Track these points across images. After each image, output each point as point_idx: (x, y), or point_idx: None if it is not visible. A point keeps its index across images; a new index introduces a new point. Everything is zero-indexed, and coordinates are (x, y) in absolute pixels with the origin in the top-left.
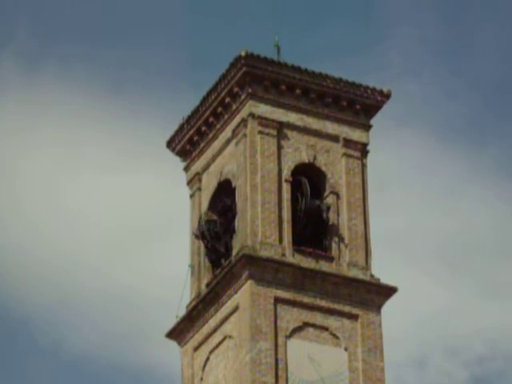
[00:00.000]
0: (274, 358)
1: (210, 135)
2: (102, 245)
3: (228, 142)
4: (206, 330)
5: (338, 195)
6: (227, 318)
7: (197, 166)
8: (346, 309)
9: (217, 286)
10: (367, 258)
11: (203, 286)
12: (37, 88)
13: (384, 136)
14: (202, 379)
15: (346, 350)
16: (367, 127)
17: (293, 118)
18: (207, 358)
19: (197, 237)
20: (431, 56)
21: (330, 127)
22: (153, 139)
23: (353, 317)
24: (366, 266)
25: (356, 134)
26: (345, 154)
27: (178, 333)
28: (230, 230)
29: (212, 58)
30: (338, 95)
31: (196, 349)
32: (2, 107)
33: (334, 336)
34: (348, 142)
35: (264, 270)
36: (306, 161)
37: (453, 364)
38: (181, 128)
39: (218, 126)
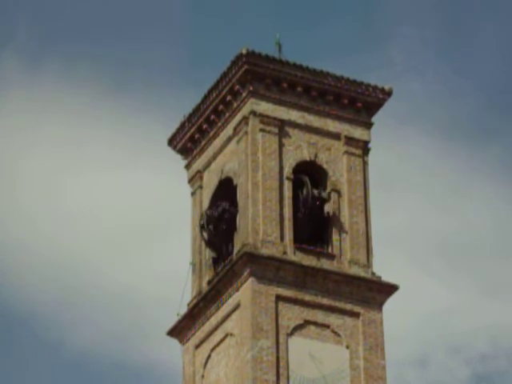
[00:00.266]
0: (276, 356)
1: (212, 133)
2: (103, 243)
3: (229, 139)
4: (207, 327)
5: (339, 193)
6: (228, 315)
7: (198, 163)
8: (348, 307)
9: (218, 284)
10: (368, 256)
11: (204, 284)
12: (38, 86)
13: (386, 134)
14: (203, 377)
15: (347, 347)
16: (369, 125)
17: (294, 115)
18: (208, 356)
19: (202, 227)
20: (433, 55)
21: (332, 125)
22: (154, 137)
23: (354, 315)
24: (368, 264)
25: (357, 132)
26: (346, 152)
27: (180, 331)
28: (231, 228)
29: (213, 56)
30: (339, 93)
31: (197, 346)
32: (4, 105)
33: (336, 334)
34: (349, 140)
35: (265, 267)
36: (308, 159)
37: (455, 362)
38: (182, 126)
39: (220, 124)
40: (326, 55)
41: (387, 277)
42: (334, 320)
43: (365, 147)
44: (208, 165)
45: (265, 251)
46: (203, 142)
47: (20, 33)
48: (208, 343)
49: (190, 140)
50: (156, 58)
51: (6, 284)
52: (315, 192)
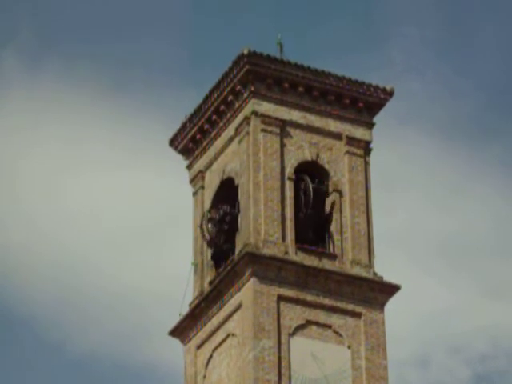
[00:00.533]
0: (277, 356)
1: (213, 133)
2: (104, 243)
3: (231, 140)
4: (208, 328)
5: (340, 193)
6: (230, 316)
7: (199, 164)
8: (349, 307)
9: (220, 284)
10: (370, 256)
11: (206, 284)
12: (39, 86)
13: (387, 134)
14: (204, 377)
15: (349, 347)
16: (370, 125)
17: (295, 115)
18: (210, 356)
19: (202, 231)
20: (433, 55)
21: (333, 125)
22: (155, 137)
23: (356, 315)
24: (369, 264)
25: (359, 132)
26: (348, 152)
27: (181, 331)
28: (232, 229)
29: (214, 56)
30: (340, 93)
31: (199, 347)
32: (4, 105)
33: (337, 334)
34: (351, 140)
35: (267, 268)
36: (309, 159)
37: (455, 362)
38: (183, 126)
39: (221, 124)
40: (327, 55)
41: (389, 277)
42: (335, 320)
43: (366, 147)
44: (209, 165)
45: (266, 251)
46: (205, 143)
47: (20, 32)
48: (210, 343)
49: (191, 140)
50: (157, 58)
51: (7, 285)
52: (313, 185)
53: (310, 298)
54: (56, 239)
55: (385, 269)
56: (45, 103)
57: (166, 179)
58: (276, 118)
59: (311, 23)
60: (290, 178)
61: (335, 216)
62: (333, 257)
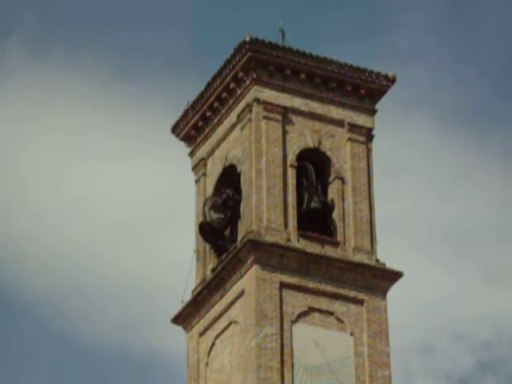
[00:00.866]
0: (280, 343)
1: (215, 120)
2: (108, 232)
3: (233, 127)
4: (211, 315)
5: (343, 180)
6: (233, 303)
7: (202, 151)
8: (352, 294)
9: (222, 272)
10: (372, 243)
11: (208, 272)
12: (42, 74)
13: (389, 121)
14: (207, 364)
15: (351, 334)
16: (372, 112)
17: (297, 102)
18: (213, 344)
19: (202, 227)
20: (437, 41)
21: (335, 112)
22: (158, 125)
23: (358, 302)
24: (372, 251)
25: (361, 119)
26: (350, 139)
27: (184, 318)
28: (235, 216)
29: (217, 44)
30: (342, 80)
31: (201, 334)
32: (8, 94)
33: (340, 321)
34: (353, 127)
35: (269, 255)
36: (311, 146)
37: (459, 349)
38: (186, 113)
39: (223, 112)
40: (329, 42)
41: (391, 264)
42: (338, 307)
43: (368, 134)
44: (212, 152)
45: (269, 238)
46: (207, 130)
47: (24, 21)
48: (212, 331)
49: (193, 127)
50: (159, 46)
51: (12, 274)
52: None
53: (312, 284)
54: (60, 228)
55: (387, 255)
56: (48, 92)
57: (169, 166)
58: (278, 105)
59: (313, 10)
60: (292, 165)
61: (337, 203)
62: (335, 244)
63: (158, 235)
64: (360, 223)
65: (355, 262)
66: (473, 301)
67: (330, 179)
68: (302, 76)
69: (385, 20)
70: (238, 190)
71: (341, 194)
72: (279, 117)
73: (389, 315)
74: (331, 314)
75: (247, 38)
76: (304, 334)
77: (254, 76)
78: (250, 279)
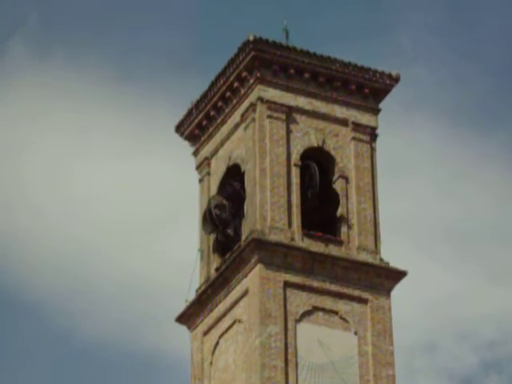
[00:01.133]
0: (284, 343)
1: (219, 120)
2: (110, 231)
3: (237, 126)
4: (215, 314)
5: (346, 179)
6: (237, 302)
7: (206, 150)
8: (356, 293)
9: (226, 271)
10: (376, 242)
11: (212, 271)
12: (46, 73)
13: (393, 120)
14: (211, 363)
15: (355, 333)
16: (376, 111)
17: (301, 102)
18: (217, 343)
19: (206, 227)
20: (439, 41)
21: (339, 111)
22: (161, 124)
23: (362, 301)
24: (376, 250)
25: (365, 118)
26: (354, 138)
27: (188, 317)
28: (239, 215)
29: (220, 43)
30: (346, 79)
31: (206, 333)
32: (11, 93)
33: (344, 320)
34: (357, 126)
35: (273, 254)
36: (315, 145)
37: (462, 348)
38: (189, 113)
39: (227, 111)
40: (332, 42)
41: (395, 263)
42: (342, 306)
43: (372, 133)
44: (216, 151)
45: (273, 237)
46: (211, 129)
47: (27, 20)
48: (216, 330)
49: (197, 127)
50: (163, 45)
51: (14, 273)
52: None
53: (316, 284)
54: (62, 227)
55: (391, 255)
56: (51, 91)
57: (172, 166)
58: (282, 104)
59: (317, 10)
60: (296, 165)
61: (341, 202)
62: (339, 243)
63: (162, 234)
64: (364, 222)
65: (359, 261)
66: (476, 300)
67: (334, 178)
68: (306, 75)
69: (388, 20)
70: (241, 189)
71: (345, 193)
72: (283, 116)
73: (393, 314)
74: (335, 313)
75: (251, 38)
76: (308, 333)
77: (258, 75)
78: (254, 278)
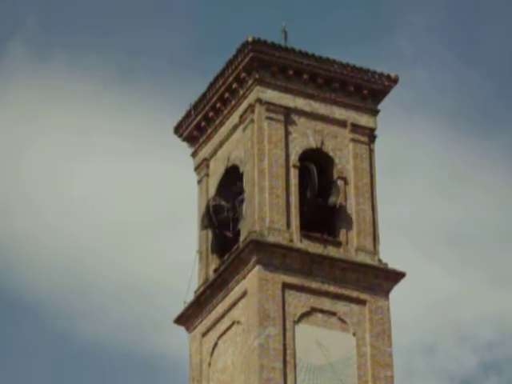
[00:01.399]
0: (282, 344)
1: (218, 121)
2: (110, 232)
3: (235, 127)
4: (214, 315)
5: (345, 180)
6: (235, 303)
7: (204, 151)
8: (354, 294)
9: (225, 272)
10: (375, 243)
11: (211, 272)
12: (45, 75)
13: (392, 122)
14: (210, 365)
15: (354, 335)
16: (375, 112)
17: (300, 103)
18: (215, 344)
19: (203, 223)
20: (439, 43)
21: (338, 112)
22: (160, 125)
23: (361, 302)
24: (374, 251)
25: (363, 119)
26: (352, 140)
27: (186, 318)
28: (237, 216)
29: (219, 44)
30: (345, 80)
31: (204, 334)
32: (9, 94)
33: (342, 321)
34: (355, 127)
35: (272, 255)
36: (314, 146)
37: (462, 350)
38: (188, 114)
39: (226, 112)
40: (331, 44)
41: (393, 264)
42: (340, 307)
43: (371, 134)
44: (214, 153)
45: (271, 239)
46: (209, 130)
47: (27, 23)
48: (215, 331)
49: (196, 128)
50: (162, 47)
51: (13, 273)
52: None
53: (314, 285)
54: (61, 228)
55: (389, 256)
56: (51, 93)
57: (171, 167)
58: (280, 106)
59: (316, 11)
60: (294, 166)
61: (340, 203)
62: (338, 244)
63: (160, 235)
64: (363, 223)
65: (358, 263)
66: (475, 301)
67: (333, 179)
68: (305, 76)
69: (388, 22)
70: (241, 189)
71: (343, 195)
72: (282, 117)
73: (391, 315)
74: (334, 314)
75: (249, 39)
76: (306, 335)
77: (257, 76)
78: (253, 279)
